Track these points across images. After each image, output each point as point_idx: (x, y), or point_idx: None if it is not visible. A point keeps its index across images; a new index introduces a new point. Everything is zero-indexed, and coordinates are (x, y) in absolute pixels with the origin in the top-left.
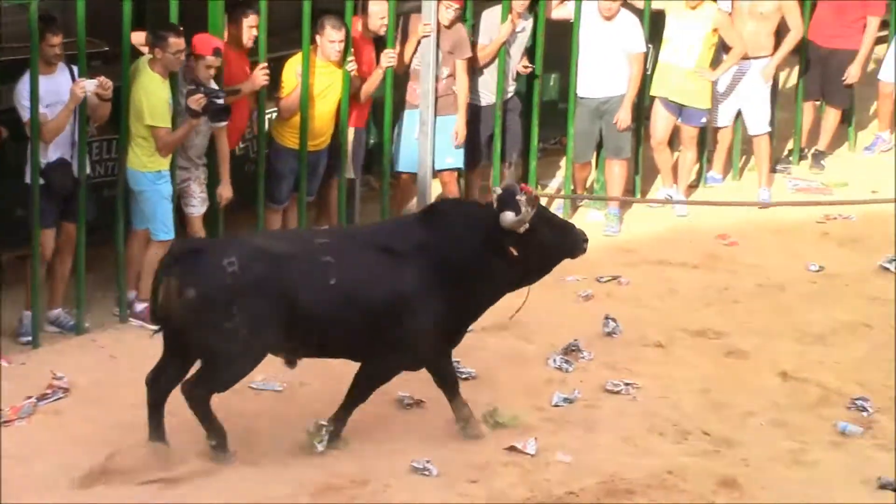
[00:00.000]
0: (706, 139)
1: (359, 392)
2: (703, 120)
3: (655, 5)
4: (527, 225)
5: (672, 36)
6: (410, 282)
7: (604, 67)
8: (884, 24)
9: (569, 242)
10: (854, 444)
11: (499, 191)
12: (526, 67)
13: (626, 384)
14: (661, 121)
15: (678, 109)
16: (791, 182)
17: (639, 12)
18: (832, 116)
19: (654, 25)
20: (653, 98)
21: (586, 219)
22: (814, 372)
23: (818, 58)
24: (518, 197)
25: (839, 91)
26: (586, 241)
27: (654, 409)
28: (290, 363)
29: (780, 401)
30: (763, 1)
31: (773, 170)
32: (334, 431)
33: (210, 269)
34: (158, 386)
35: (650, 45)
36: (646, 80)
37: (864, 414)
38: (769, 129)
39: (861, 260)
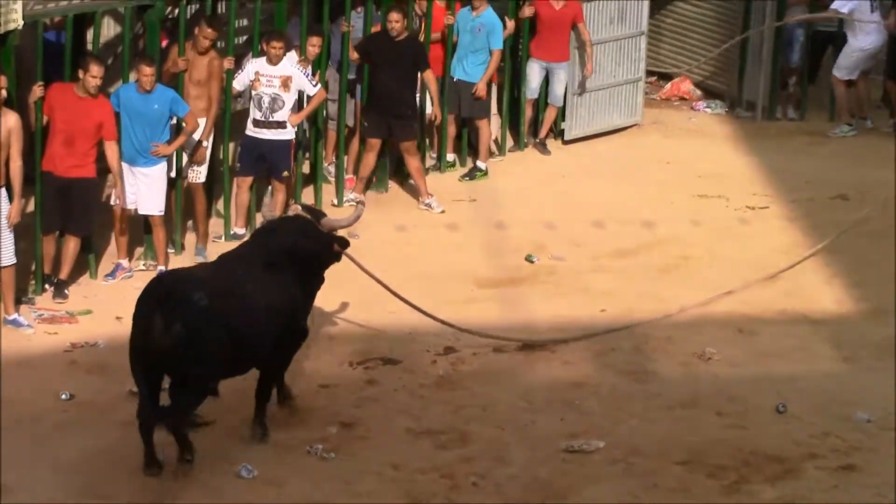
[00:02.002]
0: None
1: (267, 392)
2: None
3: None
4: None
5: None
6: (294, 286)
7: None
8: None
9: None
10: None
11: (299, 207)
12: None
13: None
14: None
15: None
16: (35, 312)
17: None
18: (73, 244)
19: None
20: None
21: None
22: None
23: (58, 189)
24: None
25: (81, 219)
26: None
27: None
28: (215, 391)
29: None
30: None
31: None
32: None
33: (188, 305)
34: (148, 421)
35: None
36: None
37: None
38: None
39: (111, 387)
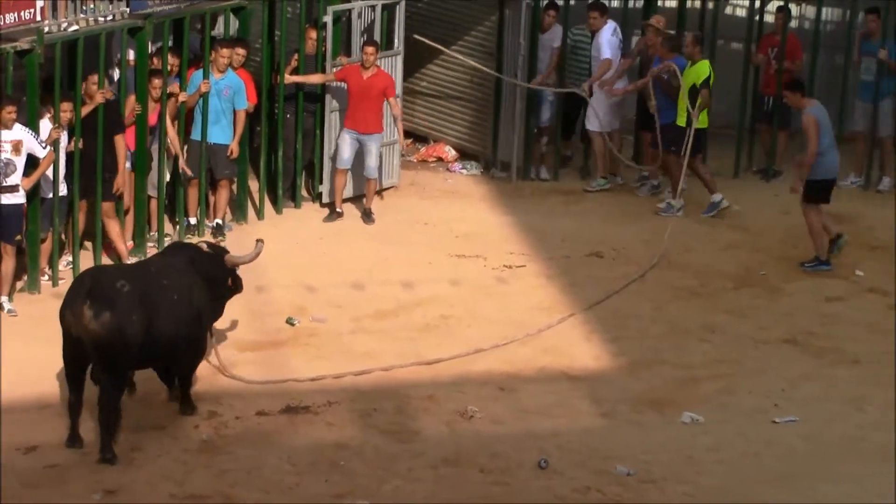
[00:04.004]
0: None
1: (190, 380)
2: None
3: None
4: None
5: None
6: (203, 293)
7: None
8: None
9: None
10: None
11: (204, 245)
12: None
13: None
14: None
15: None
16: None
17: None
18: None
19: None
20: None
21: None
22: None
23: None
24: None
25: None
26: None
27: None
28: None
29: None
30: None
31: None
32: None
33: (113, 293)
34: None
35: None
36: None
37: None
38: None
39: None
